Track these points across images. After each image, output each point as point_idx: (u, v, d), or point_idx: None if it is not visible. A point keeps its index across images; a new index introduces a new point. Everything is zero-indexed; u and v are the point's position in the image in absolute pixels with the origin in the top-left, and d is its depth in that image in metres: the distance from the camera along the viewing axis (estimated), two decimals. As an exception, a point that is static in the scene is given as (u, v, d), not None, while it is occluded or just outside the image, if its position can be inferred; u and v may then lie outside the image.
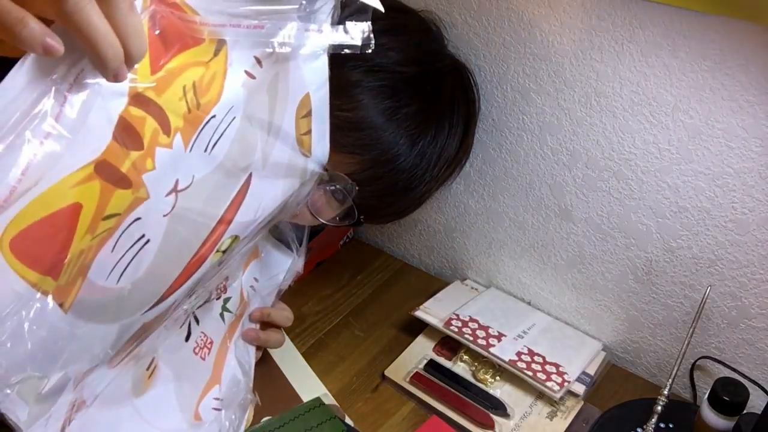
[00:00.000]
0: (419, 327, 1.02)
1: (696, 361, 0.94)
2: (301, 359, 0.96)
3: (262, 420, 0.87)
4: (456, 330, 0.97)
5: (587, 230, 0.96)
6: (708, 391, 0.82)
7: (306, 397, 0.90)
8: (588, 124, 0.90)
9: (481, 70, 0.95)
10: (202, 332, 0.81)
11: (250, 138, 0.61)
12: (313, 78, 0.64)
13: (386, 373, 0.96)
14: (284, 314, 0.91)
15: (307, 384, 0.93)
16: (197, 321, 0.80)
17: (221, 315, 0.83)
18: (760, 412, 0.74)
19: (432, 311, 1.01)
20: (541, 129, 0.94)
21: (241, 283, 0.85)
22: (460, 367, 0.97)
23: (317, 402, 0.89)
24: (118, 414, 0.71)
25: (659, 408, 0.86)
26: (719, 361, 0.92)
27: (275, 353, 0.96)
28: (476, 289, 1.09)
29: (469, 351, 0.98)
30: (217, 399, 0.81)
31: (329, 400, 0.90)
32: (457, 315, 1.00)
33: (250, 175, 0.63)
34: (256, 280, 0.88)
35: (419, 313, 1.01)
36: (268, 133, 0.63)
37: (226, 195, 0.62)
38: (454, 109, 0.88)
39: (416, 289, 1.11)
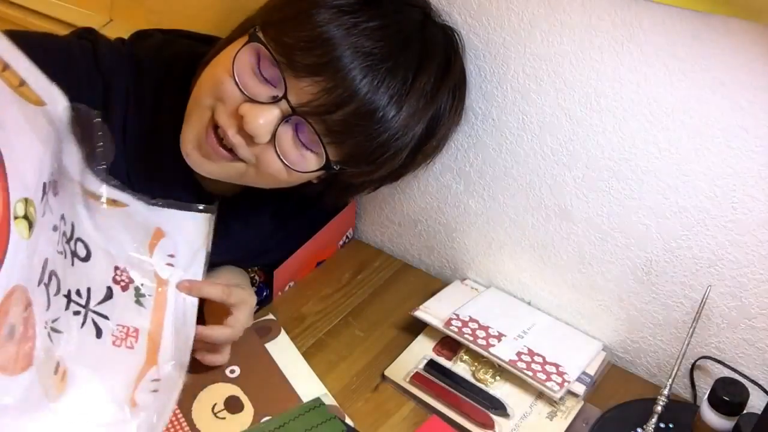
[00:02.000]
0: (419, 327, 1.02)
1: (696, 361, 0.94)
2: (301, 359, 0.96)
3: (262, 420, 0.87)
4: (456, 330, 0.97)
5: (587, 230, 0.96)
6: (708, 391, 0.83)
7: (306, 397, 0.90)
8: (588, 124, 0.90)
9: (481, 70, 0.95)
10: (118, 325, 0.81)
11: None
12: None
13: (386, 373, 0.96)
14: (215, 290, 0.86)
15: (307, 384, 0.92)
16: (105, 317, 0.81)
17: (137, 302, 0.83)
18: (760, 412, 0.74)
19: (432, 311, 1.01)
20: (541, 129, 0.94)
21: (153, 266, 0.84)
22: (460, 367, 0.97)
23: (317, 402, 0.89)
24: (39, 418, 0.71)
25: (659, 408, 0.86)
26: (719, 361, 0.92)
27: (275, 353, 0.96)
28: (476, 289, 1.09)
29: (469, 351, 0.98)
30: (155, 380, 0.81)
31: (329, 400, 0.90)
32: (457, 315, 1.00)
33: None
34: (171, 256, 0.85)
35: (419, 313, 1.01)
36: None
37: None
38: (425, 43, 0.84)
39: (416, 289, 1.11)
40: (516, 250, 1.05)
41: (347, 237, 1.20)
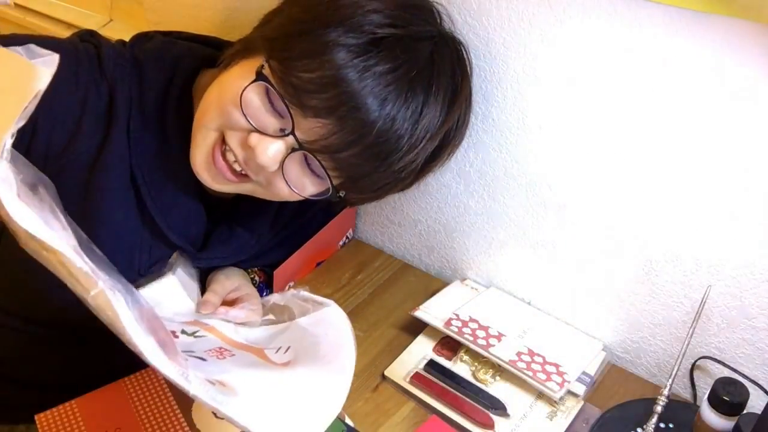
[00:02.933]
0: (419, 327, 1.02)
1: (696, 361, 0.94)
2: (301, 359, 0.96)
3: (262, 420, 0.87)
4: (456, 330, 0.97)
5: (587, 230, 0.96)
6: (708, 391, 0.83)
7: (306, 397, 0.90)
8: (588, 123, 0.90)
9: (481, 70, 0.95)
10: (206, 351, 0.84)
11: None
12: None
13: (386, 373, 0.96)
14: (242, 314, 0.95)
15: (307, 384, 0.93)
16: (194, 353, 0.83)
17: (195, 336, 0.87)
18: (760, 412, 0.74)
19: (432, 311, 1.01)
20: (541, 129, 0.94)
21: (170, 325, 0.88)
22: (460, 367, 0.97)
23: (317, 402, 0.89)
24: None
25: (659, 408, 0.86)
26: (719, 361, 0.92)
27: (275, 353, 0.96)
28: (476, 289, 1.09)
29: (469, 351, 0.98)
30: (279, 348, 0.86)
31: (329, 400, 0.91)
32: (457, 315, 1.00)
33: None
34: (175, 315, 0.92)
35: (419, 313, 1.01)
36: None
37: None
38: (433, 78, 0.84)
39: (416, 289, 1.11)
40: (516, 250, 1.05)
41: (347, 237, 1.20)
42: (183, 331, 0.87)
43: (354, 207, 1.17)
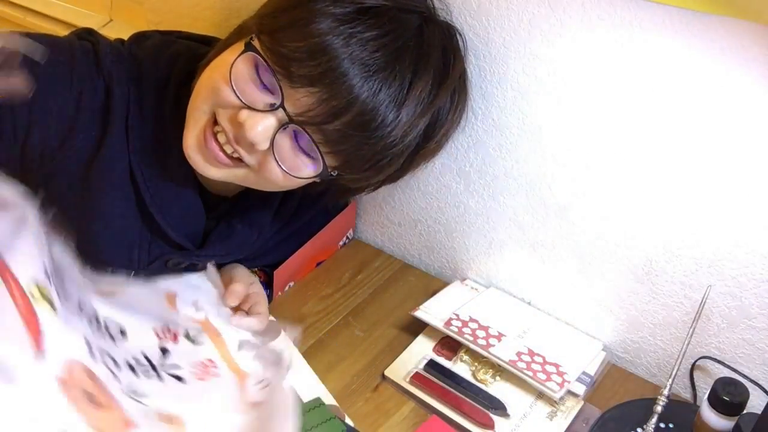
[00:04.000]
0: (419, 327, 1.02)
1: (696, 361, 0.94)
2: (301, 359, 0.96)
3: (262, 420, 0.87)
4: (456, 330, 0.97)
5: (587, 230, 0.96)
6: (708, 391, 0.83)
7: (306, 397, 0.90)
8: (588, 123, 0.90)
9: (481, 70, 0.95)
10: (192, 366, 0.84)
11: None
12: None
13: (386, 373, 0.96)
14: (258, 322, 0.95)
15: (307, 384, 0.92)
16: (177, 366, 0.83)
17: (194, 342, 0.87)
18: (760, 412, 0.74)
19: (432, 311, 1.01)
20: (541, 129, 0.94)
21: (183, 316, 0.88)
22: (460, 367, 0.97)
23: (317, 402, 0.89)
24: None
25: (659, 408, 0.86)
26: (719, 361, 0.92)
27: (275, 353, 0.96)
28: (476, 289, 1.09)
29: (469, 351, 0.98)
30: (260, 381, 0.86)
31: (329, 400, 0.91)
32: (457, 315, 1.00)
33: None
34: (195, 302, 0.91)
35: (419, 313, 1.01)
36: None
37: None
38: (421, 50, 0.84)
39: (416, 289, 1.11)
40: (516, 250, 1.05)
41: (347, 237, 1.20)
42: (186, 335, 0.87)
43: (352, 201, 1.16)
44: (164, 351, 0.83)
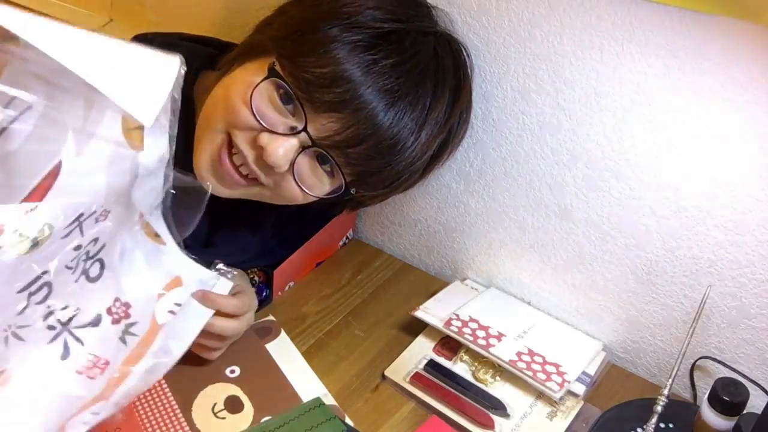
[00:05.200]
0: (419, 327, 1.02)
1: (696, 361, 0.94)
2: (301, 359, 0.96)
3: (262, 420, 0.87)
4: (456, 330, 0.97)
5: (587, 230, 0.97)
6: (708, 391, 0.83)
7: (306, 397, 0.90)
8: (588, 124, 0.90)
9: (481, 70, 0.95)
10: (90, 353, 0.76)
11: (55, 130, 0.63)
12: None
13: (386, 373, 0.96)
14: (230, 303, 0.86)
15: (307, 384, 0.93)
16: (80, 341, 0.75)
17: (121, 339, 0.78)
18: (760, 412, 0.74)
19: (432, 311, 1.01)
20: (541, 129, 0.94)
21: (153, 310, 0.80)
22: (460, 367, 0.97)
23: (317, 402, 0.89)
24: None
25: (659, 408, 0.86)
26: (719, 361, 0.92)
27: (275, 353, 0.96)
28: (476, 289, 1.09)
29: (469, 351, 0.98)
30: (94, 414, 0.75)
31: (329, 400, 0.91)
32: (457, 315, 1.00)
33: (60, 162, 0.63)
34: (178, 305, 0.83)
35: (419, 313, 1.01)
36: (84, 122, 0.64)
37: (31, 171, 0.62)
38: (438, 72, 0.86)
39: (416, 289, 1.11)
40: (516, 250, 1.05)
41: (347, 237, 1.20)
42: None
43: (354, 211, 1.16)
44: (96, 320, 0.76)
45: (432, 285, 1.11)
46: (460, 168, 1.04)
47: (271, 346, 0.97)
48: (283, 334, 0.99)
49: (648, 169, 0.88)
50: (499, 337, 0.97)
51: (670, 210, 0.89)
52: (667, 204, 0.89)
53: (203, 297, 0.82)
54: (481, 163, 1.02)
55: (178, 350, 0.80)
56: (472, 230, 1.08)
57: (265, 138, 0.81)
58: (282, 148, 0.80)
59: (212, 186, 0.86)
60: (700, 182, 0.85)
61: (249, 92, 0.80)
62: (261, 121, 0.81)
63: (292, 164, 0.82)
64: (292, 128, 0.81)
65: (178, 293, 0.82)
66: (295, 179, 0.84)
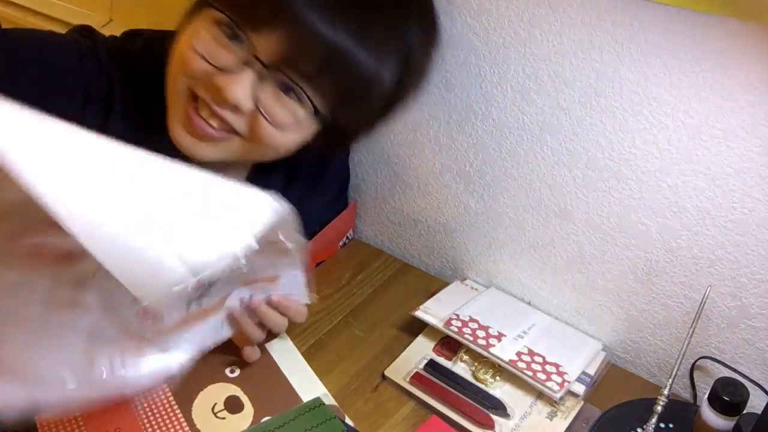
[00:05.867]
0: (419, 327, 1.02)
1: (696, 361, 0.94)
2: (301, 359, 0.96)
3: (262, 420, 0.87)
4: (456, 330, 0.97)
5: (587, 230, 0.97)
6: (708, 391, 0.83)
7: (306, 397, 0.90)
8: (588, 124, 0.90)
9: (481, 70, 0.95)
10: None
11: None
12: None
13: (386, 373, 0.96)
14: (300, 309, 0.89)
15: (307, 384, 0.92)
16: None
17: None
18: (760, 412, 0.74)
19: (432, 311, 1.01)
20: (541, 129, 0.94)
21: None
22: (460, 367, 0.97)
23: (317, 402, 0.89)
24: None
25: (659, 408, 0.86)
26: (719, 361, 0.92)
27: (275, 353, 0.96)
28: (476, 289, 1.09)
29: (469, 351, 0.98)
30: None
31: (329, 400, 0.90)
32: (457, 315, 1.00)
33: None
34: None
35: (419, 313, 1.01)
36: None
37: None
38: None
39: (416, 289, 1.11)
40: (516, 250, 1.05)
41: (347, 237, 1.20)
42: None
43: (352, 201, 1.16)
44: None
45: (432, 285, 1.11)
46: (460, 168, 1.04)
47: (270, 346, 0.97)
48: (283, 333, 0.99)
49: (648, 170, 0.88)
50: (499, 337, 0.97)
51: (670, 210, 0.89)
52: (667, 204, 0.89)
53: (285, 304, 0.87)
54: (481, 163, 1.02)
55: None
56: (472, 230, 1.08)
57: (220, 79, 0.80)
58: (238, 83, 0.80)
59: (190, 147, 0.86)
60: (700, 182, 0.85)
61: (191, 37, 0.81)
62: (210, 61, 0.80)
63: (257, 102, 0.82)
64: (246, 62, 0.80)
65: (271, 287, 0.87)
66: (265, 117, 0.82)
